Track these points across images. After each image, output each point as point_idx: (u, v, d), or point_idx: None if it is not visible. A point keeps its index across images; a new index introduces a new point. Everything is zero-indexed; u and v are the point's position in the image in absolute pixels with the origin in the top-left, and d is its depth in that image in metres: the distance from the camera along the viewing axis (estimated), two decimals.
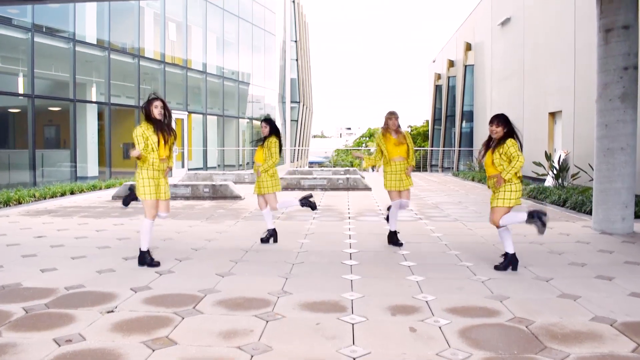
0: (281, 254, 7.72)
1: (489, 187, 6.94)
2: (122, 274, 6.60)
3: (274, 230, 8.56)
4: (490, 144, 6.81)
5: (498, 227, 6.76)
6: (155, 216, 6.95)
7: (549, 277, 6.35)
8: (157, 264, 6.94)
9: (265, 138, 8.39)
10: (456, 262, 7.17)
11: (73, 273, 6.59)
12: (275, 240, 8.53)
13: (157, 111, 6.80)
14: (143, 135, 6.76)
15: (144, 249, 6.98)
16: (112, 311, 5.12)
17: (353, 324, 4.73)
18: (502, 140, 6.70)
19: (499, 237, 7.04)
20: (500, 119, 6.74)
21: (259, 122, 37.21)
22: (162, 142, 6.82)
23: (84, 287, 5.98)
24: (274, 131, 8.40)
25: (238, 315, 4.98)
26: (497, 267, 6.72)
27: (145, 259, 6.95)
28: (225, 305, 5.30)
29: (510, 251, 6.75)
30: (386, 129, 8.16)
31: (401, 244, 8.27)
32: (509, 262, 6.72)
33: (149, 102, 6.84)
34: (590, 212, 11.37)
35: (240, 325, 4.69)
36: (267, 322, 4.80)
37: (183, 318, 4.90)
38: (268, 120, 8.44)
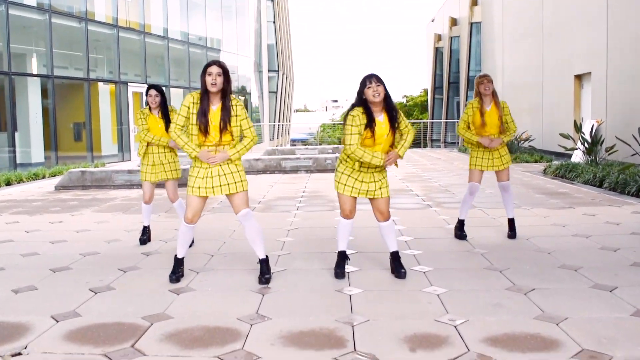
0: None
1: (370, 161, 5.62)
2: (44, 293, 5.58)
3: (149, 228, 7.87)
4: (373, 111, 5.63)
5: (386, 220, 5.85)
6: (193, 219, 5.81)
7: (611, 285, 5.40)
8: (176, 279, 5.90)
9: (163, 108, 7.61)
10: (485, 266, 6.20)
11: None
12: (149, 240, 7.79)
13: (210, 79, 5.58)
14: (190, 107, 5.65)
15: (179, 255, 5.95)
16: (18, 354, 4.11)
17: None
18: (389, 106, 5.65)
19: (381, 233, 5.99)
20: (379, 77, 5.62)
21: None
22: (212, 123, 5.64)
23: None
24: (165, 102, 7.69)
25: (193, 358, 3.97)
26: (337, 275, 5.91)
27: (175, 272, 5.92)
28: (177, 340, 4.28)
29: (391, 249, 5.94)
30: (479, 96, 7.33)
31: (464, 237, 7.56)
32: (396, 263, 5.90)
33: (204, 70, 5.65)
34: (636, 195, 10.50)
35: None
36: None
37: None
38: (157, 87, 7.65)
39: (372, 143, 5.58)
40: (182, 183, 13.90)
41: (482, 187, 12.07)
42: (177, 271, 5.90)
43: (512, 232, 7.54)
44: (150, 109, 7.54)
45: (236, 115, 5.66)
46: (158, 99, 7.49)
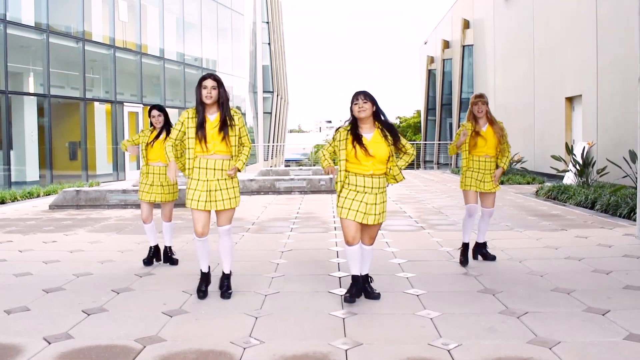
0: (250, 280, 6.65)
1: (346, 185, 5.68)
2: (37, 314, 5.51)
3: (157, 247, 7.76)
4: (361, 127, 5.66)
5: (372, 245, 5.83)
6: (204, 233, 5.92)
7: (604, 308, 5.37)
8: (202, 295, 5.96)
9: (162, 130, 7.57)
10: (478, 289, 6.16)
11: None
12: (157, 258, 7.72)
13: (205, 92, 5.75)
14: (185, 122, 5.83)
15: (204, 269, 6.12)
16: None
17: None
18: (383, 123, 5.72)
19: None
20: (367, 94, 5.61)
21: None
22: (210, 131, 5.80)
23: None
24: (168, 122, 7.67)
25: None
26: (346, 299, 5.69)
27: (201, 288, 6.05)
28: None
29: (363, 272, 5.83)
30: (473, 117, 7.26)
31: (466, 262, 7.31)
32: (360, 286, 5.79)
33: (199, 83, 5.81)
34: (628, 216, 10.48)
35: None
36: None
37: None
38: (159, 107, 7.65)
39: (357, 159, 5.54)
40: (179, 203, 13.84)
41: None
42: (202, 287, 6.01)
43: (476, 256, 7.51)
44: (154, 129, 7.51)
45: (236, 125, 5.87)
46: (161, 119, 7.48)
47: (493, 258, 7.49)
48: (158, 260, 7.69)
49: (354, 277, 5.77)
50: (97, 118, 24.13)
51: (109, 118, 24.73)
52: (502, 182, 19.18)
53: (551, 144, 19.88)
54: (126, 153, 24.87)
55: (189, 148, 5.80)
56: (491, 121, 7.23)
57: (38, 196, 17.29)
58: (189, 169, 5.85)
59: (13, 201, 16.07)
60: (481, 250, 7.54)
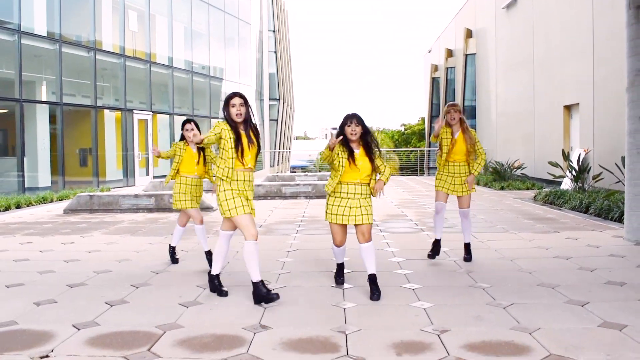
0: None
1: (332, 192, 6.29)
2: (64, 305, 6.02)
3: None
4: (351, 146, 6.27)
5: (367, 241, 6.19)
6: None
7: (584, 300, 5.84)
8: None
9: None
10: (470, 284, 6.65)
11: (5, 306, 6.00)
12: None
13: (234, 110, 6.03)
14: (222, 133, 6.02)
15: (254, 279, 6.04)
16: (46, 356, 4.54)
17: None
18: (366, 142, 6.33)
19: (361, 255, 6.31)
20: (359, 118, 6.26)
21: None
22: (245, 147, 6.07)
23: (16, 323, 5.40)
24: None
25: None
26: (336, 281, 6.68)
27: (261, 291, 6.00)
28: (189, 345, 4.73)
29: (369, 271, 6.20)
30: (447, 124, 7.80)
31: (435, 255, 7.90)
32: (372, 286, 6.17)
33: (226, 102, 6.09)
34: (619, 220, 10.92)
35: None
36: None
37: None
38: (193, 120, 8.09)
39: (350, 170, 6.15)
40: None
41: (473, 213, 12.51)
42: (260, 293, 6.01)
43: (468, 256, 7.93)
44: (186, 142, 7.92)
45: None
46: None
47: (469, 259, 7.91)
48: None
49: (337, 264, 6.69)
50: (108, 125, 24.66)
51: (119, 125, 25.27)
52: (502, 188, 19.64)
53: (550, 150, 20.33)
54: (136, 159, 25.58)
55: (228, 158, 5.95)
56: (464, 129, 7.71)
57: (52, 201, 17.83)
58: (224, 177, 5.99)
59: (28, 206, 16.62)
60: (468, 250, 7.98)
